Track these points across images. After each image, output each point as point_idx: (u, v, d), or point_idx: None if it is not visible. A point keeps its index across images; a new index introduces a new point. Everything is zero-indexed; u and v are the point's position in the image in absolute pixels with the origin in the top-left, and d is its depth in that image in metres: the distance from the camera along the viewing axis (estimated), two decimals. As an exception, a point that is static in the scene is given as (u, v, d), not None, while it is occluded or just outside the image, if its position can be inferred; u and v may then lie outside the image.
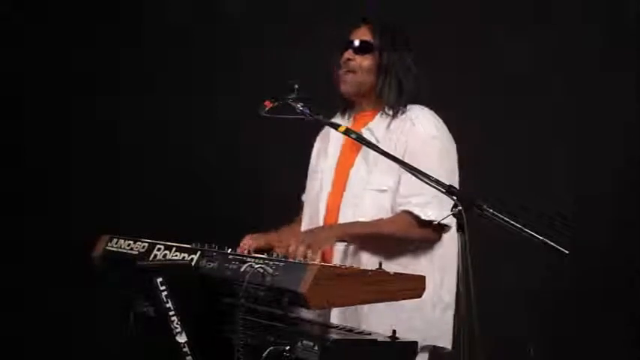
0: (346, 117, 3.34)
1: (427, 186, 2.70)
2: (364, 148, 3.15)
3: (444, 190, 2.61)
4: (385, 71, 3.20)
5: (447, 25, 4.50)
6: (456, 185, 3.08)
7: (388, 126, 3.18)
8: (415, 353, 2.64)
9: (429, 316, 3.12)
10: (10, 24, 4.90)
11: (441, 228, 3.07)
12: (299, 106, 3.08)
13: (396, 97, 3.19)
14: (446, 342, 3.17)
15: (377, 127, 3.18)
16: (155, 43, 4.91)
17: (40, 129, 4.90)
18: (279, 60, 4.61)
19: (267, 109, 3.04)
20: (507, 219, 2.53)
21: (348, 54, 3.22)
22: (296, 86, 3.13)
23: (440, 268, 3.15)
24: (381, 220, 3.13)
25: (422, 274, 2.72)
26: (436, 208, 3.01)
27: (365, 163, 3.19)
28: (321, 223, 3.23)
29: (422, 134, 3.14)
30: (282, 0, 4.82)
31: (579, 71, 4.43)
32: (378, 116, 3.22)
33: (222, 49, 4.85)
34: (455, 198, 2.54)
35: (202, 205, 4.81)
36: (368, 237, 3.10)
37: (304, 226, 3.33)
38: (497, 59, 4.48)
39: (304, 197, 3.45)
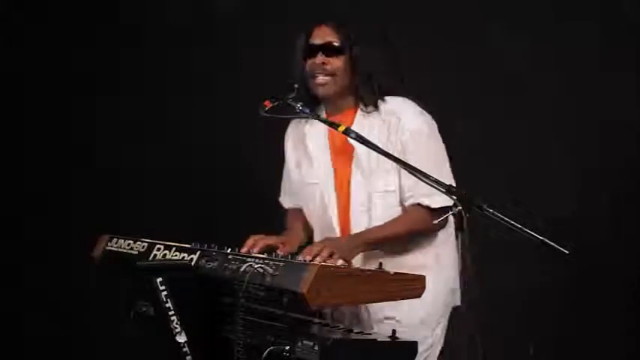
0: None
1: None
2: (356, 152, 3.16)
3: (443, 190, 2.61)
4: (360, 69, 3.17)
5: (447, 25, 4.49)
6: (449, 168, 3.15)
7: (371, 125, 3.16)
8: (415, 352, 2.64)
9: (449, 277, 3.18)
10: (10, 24, 4.89)
11: (445, 211, 3.08)
12: (299, 105, 3.09)
13: (374, 92, 3.18)
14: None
15: (360, 129, 3.06)
16: (155, 43, 4.91)
17: (40, 129, 4.89)
18: (279, 60, 4.60)
19: (267, 109, 3.04)
20: (507, 218, 2.53)
21: (322, 58, 3.18)
22: (296, 86, 3.13)
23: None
24: (395, 219, 3.15)
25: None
26: (441, 193, 3.04)
27: (362, 166, 3.18)
28: (338, 235, 3.22)
29: (410, 129, 3.13)
30: (282, 0, 4.81)
31: (579, 71, 4.42)
32: (357, 116, 3.20)
33: (222, 49, 4.85)
34: (455, 198, 2.54)
35: (202, 205, 4.81)
36: (388, 239, 3.12)
37: (316, 238, 3.31)
38: (497, 58, 4.47)
39: (286, 205, 3.48)
